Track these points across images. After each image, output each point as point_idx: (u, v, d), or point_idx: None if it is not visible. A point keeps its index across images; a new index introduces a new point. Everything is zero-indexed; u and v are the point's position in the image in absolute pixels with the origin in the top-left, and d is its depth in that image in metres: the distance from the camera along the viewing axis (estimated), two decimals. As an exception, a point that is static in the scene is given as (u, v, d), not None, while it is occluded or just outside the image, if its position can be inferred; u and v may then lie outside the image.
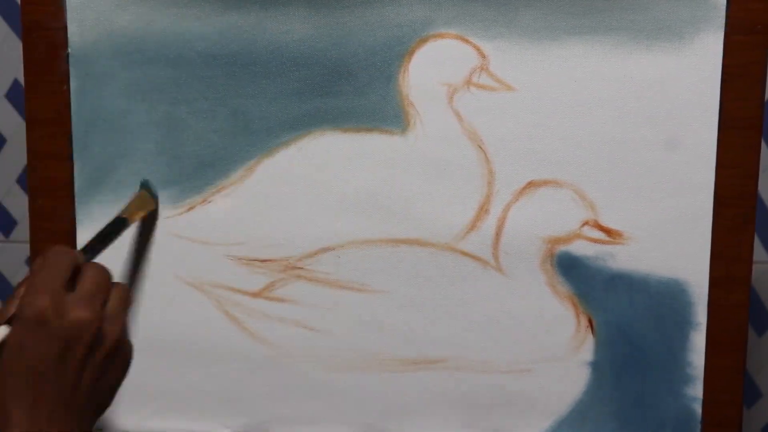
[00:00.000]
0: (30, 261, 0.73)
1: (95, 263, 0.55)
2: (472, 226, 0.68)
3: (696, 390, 0.69)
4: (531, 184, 0.67)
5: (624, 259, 0.67)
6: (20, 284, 0.53)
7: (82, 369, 0.50)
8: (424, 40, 0.67)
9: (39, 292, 0.49)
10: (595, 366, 0.69)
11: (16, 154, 0.86)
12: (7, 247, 0.88)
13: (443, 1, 0.66)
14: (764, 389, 0.82)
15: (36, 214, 0.72)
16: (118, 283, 0.54)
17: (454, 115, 0.67)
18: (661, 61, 0.65)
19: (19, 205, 0.87)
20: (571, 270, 0.68)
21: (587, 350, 0.69)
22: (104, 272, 0.54)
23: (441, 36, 0.67)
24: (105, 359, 0.51)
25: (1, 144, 0.85)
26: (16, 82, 0.84)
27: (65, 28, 0.69)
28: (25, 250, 0.88)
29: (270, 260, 0.70)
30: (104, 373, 0.52)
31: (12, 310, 0.50)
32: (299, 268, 0.70)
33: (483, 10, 0.66)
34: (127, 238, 0.70)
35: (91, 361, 0.50)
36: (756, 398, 0.82)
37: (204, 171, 0.69)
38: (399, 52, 0.67)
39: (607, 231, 0.67)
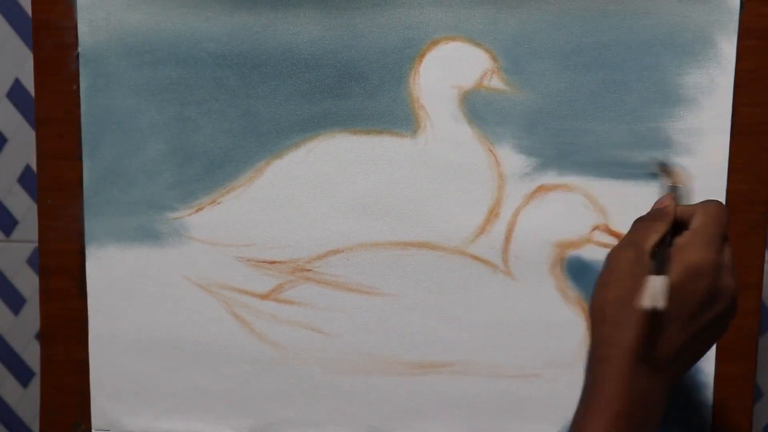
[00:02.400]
0: (35, 261, 0.73)
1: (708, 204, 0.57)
2: (482, 230, 0.68)
3: (706, 397, 0.69)
4: (541, 188, 0.67)
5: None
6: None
7: (705, 328, 0.53)
8: (435, 43, 0.67)
9: (707, 245, 0.53)
10: (604, 371, 0.69)
11: (17, 154, 0.86)
12: (7, 246, 0.88)
13: (454, 3, 0.66)
14: (765, 389, 0.82)
15: (44, 213, 0.71)
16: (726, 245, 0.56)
17: (465, 118, 0.67)
18: (674, 66, 0.65)
19: (20, 205, 0.87)
20: (581, 275, 0.68)
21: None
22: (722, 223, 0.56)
23: (452, 38, 0.66)
24: (722, 315, 0.54)
25: (2, 143, 0.85)
26: (17, 81, 0.84)
27: (75, 27, 0.69)
28: (25, 249, 0.88)
29: (279, 262, 0.70)
30: (716, 328, 0.55)
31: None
32: (308, 270, 0.69)
33: (494, 12, 0.66)
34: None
35: (712, 319, 0.53)
36: (757, 398, 0.82)
37: (213, 172, 0.69)
38: (410, 54, 0.67)
39: (618, 236, 0.67)
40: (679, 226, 0.56)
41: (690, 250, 0.53)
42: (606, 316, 0.53)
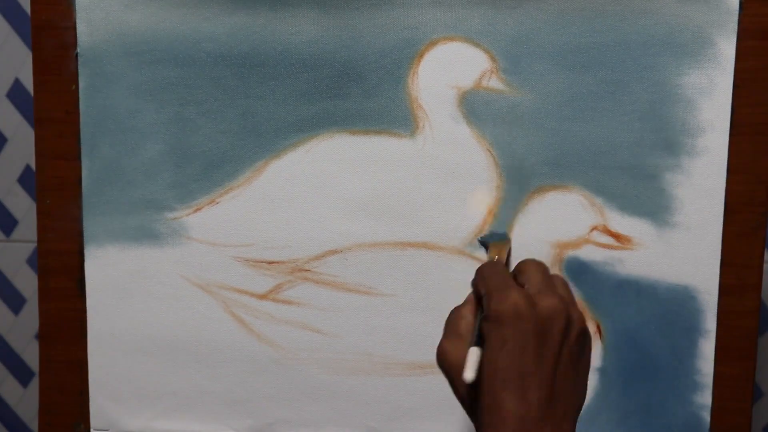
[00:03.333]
0: (35, 261, 0.73)
1: (529, 260, 0.56)
2: (481, 231, 0.68)
3: (704, 397, 0.68)
4: (540, 189, 0.67)
5: (633, 264, 0.67)
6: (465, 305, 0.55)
7: (559, 355, 0.51)
8: (433, 43, 0.66)
9: (505, 290, 0.51)
10: (603, 372, 0.69)
11: (18, 154, 0.86)
12: (7, 246, 0.88)
13: (453, 3, 0.66)
14: (765, 389, 0.81)
15: (43, 213, 0.72)
16: (554, 274, 0.55)
17: (463, 119, 0.67)
18: (673, 66, 0.65)
19: (20, 205, 0.87)
20: (580, 275, 0.67)
21: (595, 356, 0.68)
22: (542, 265, 0.55)
23: (451, 39, 0.66)
24: (576, 344, 0.52)
25: (2, 144, 0.85)
26: (17, 81, 0.84)
27: (74, 27, 0.69)
28: (26, 249, 0.88)
29: (277, 262, 0.70)
30: (578, 360, 0.52)
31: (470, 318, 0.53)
32: (306, 270, 0.69)
33: (493, 13, 0.66)
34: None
35: (566, 347, 0.51)
36: (756, 398, 0.82)
37: (212, 172, 0.69)
38: (408, 54, 0.67)
39: (616, 236, 0.67)
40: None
41: (496, 300, 0.51)
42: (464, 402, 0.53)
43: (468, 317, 0.54)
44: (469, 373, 0.50)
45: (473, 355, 0.50)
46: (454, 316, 0.55)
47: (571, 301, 0.53)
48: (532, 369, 0.49)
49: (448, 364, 0.53)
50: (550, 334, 0.50)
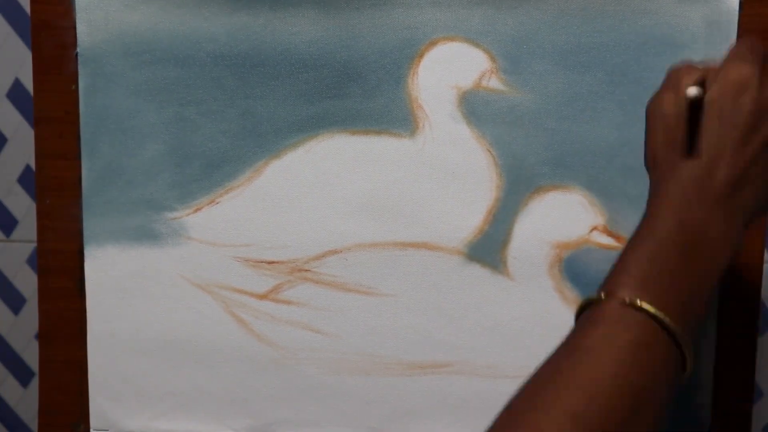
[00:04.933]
0: (35, 261, 0.73)
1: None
2: (480, 231, 0.68)
3: (704, 397, 0.68)
4: (540, 189, 0.67)
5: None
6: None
7: (764, 146, 0.50)
8: (433, 43, 0.66)
9: (745, 59, 0.50)
10: (603, 372, 0.69)
11: (18, 154, 0.86)
12: (7, 246, 0.88)
13: (453, 3, 0.66)
14: (765, 389, 0.81)
15: (43, 213, 0.72)
16: None
17: (463, 119, 0.67)
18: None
19: (20, 205, 0.87)
20: (580, 276, 0.67)
21: (595, 356, 0.68)
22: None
23: (451, 39, 0.66)
24: None
25: (2, 143, 0.85)
26: (17, 81, 0.84)
27: (74, 27, 0.69)
28: (26, 249, 0.88)
29: (277, 262, 0.70)
30: None
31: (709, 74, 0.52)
32: (306, 270, 0.69)
33: (493, 13, 0.66)
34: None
35: (766, 139, 0.50)
36: (756, 398, 0.82)
37: (212, 172, 0.69)
38: (408, 54, 0.67)
39: (616, 237, 0.67)
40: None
41: (728, 67, 0.50)
42: (658, 160, 0.52)
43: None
44: (693, 90, 0.50)
45: (694, 90, 0.50)
46: (676, 76, 0.53)
47: None
48: (739, 144, 0.49)
49: (661, 113, 0.52)
50: (766, 129, 0.50)
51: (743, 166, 0.50)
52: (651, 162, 0.54)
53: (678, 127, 0.52)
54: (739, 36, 0.64)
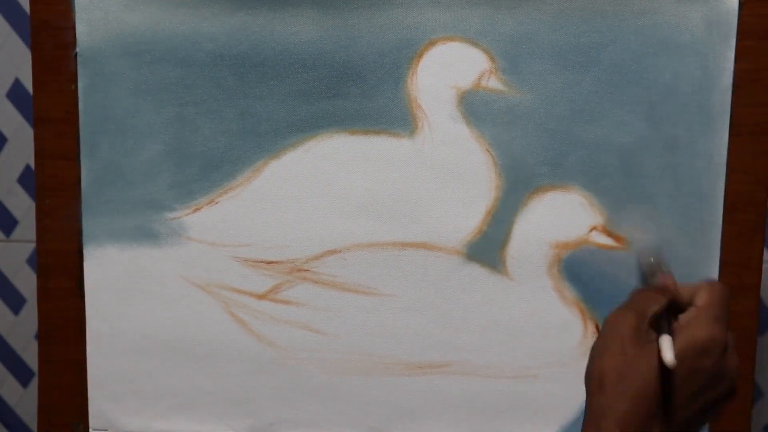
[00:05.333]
0: (35, 261, 0.73)
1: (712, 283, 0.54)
2: (479, 231, 0.68)
3: (704, 398, 0.68)
4: (539, 189, 0.67)
5: (632, 265, 0.67)
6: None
7: (704, 405, 0.51)
8: (432, 43, 0.66)
9: (717, 320, 0.50)
10: (602, 372, 0.69)
11: (17, 154, 0.86)
12: (7, 246, 0.88)
13: (452, 3, 0.66)
14: (765, 389, 0.81)
15: (42, 213, 0.72)
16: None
17: (462, 119, 0.67)
18: (672, 66, 0.65)
19: (20, 205, 0.87)
20: (579, 275, 0.67)
21: (594, 356, 0.68)
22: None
23: (450, 39, 0.66)
24: (723, 397, 0.51)
25: (2, 143, 0.85)
26: (17, 81, 0.84)
27: (74, 27, 0.69)
28: (26, 249, 0.88)
29: (276, 262, 0.70)
30: (714, 410, 0.52)
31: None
32: (305, 270, 0.69)
33: (492, 13, 0.66)
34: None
35: (713, 400, 0.51)
36: (757, 398, 0.82)
37: (211, 172, 0.69)
38: (407, 54, 0.67)
39: (616, 237, 0.67)
40: (675, 307, 0.53)
41: (697, 327, 0.50)
42: (604, 386, 0.50)
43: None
44: (669, 356, 0.48)
45: (667, 341, 0.49)
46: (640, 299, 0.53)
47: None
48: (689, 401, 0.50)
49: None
50: (716, 392, 0.50)
51: (684, 419, 0.50)
52: (593, 385, 0.51)
53: (632, 356, 0.50)
54: (738, 36, 0.64)
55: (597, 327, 0.68)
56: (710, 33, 0.65)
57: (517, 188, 0.67)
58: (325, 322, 0.70)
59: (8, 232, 0.88)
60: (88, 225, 0.71)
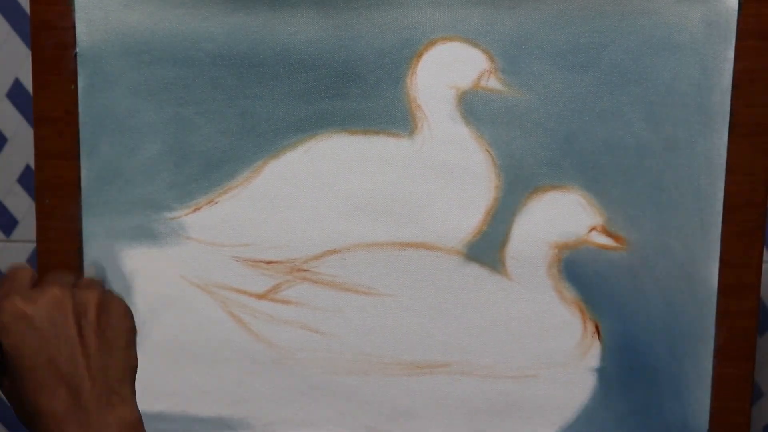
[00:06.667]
0: (35, 261, 0.73)
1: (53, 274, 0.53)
2: (479, 231, 0.68)
3: (704, 397, 0.68)
4: (538, 189, 0.67)
5: (631, 265, 0.67)
6: None
7: (81, 336, 0.49)
8: (432, 43, 0.66)
9: (5, 296, 0.49)
10: (602, 372, 0.69)
11: (18, 154, 0.86)
12: (8, 246, 0.88)
13: (452, 3, 0.66)
14: (765, 389, 0.81)
15: (42, 213, 0.72)
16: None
17: (462, 119, 0.67)
18: (672, 66, 0.65)
19: (20, 205, 0.87)
20: (578, 276, 0.67)
21: (593, 357, 0.68)
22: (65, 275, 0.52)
23: (449, 39, 0.66)
24: (97, 318, 0.50)
25: (2, 143, 0.85)
26: (17, 81, 0.84)
27: (73, 27, 0.69)
28: (26, 249, 0.88)
29: (276, 262, 0.70)
30: (104, 331, 0.51)
31: None
32: (305, 270, 0.69)
33: (492, 13, 0.66)
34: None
35: (85, 326, 0.50)
36: (757, 398, 0.82)
37: (211, 172, 0.69)
38: (407, 54, 0.67)
39: (615, 237, 0.67)
40: None
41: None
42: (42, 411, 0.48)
43: None
44: None
45: None
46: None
47: (88, 283, 0.51)
48: (60, 359, 0.48)
49: None
50: (62, 323, 0.48)
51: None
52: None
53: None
54: (738, 36, 0.64)
55: (597, 327, 0.68)
56: (710, 33, 0.65)
57: (516, 188, 0.67)
58: (325, 322, 0.70)
59: (8, 232, 0.88)
60: (88, 225, 0.71)
